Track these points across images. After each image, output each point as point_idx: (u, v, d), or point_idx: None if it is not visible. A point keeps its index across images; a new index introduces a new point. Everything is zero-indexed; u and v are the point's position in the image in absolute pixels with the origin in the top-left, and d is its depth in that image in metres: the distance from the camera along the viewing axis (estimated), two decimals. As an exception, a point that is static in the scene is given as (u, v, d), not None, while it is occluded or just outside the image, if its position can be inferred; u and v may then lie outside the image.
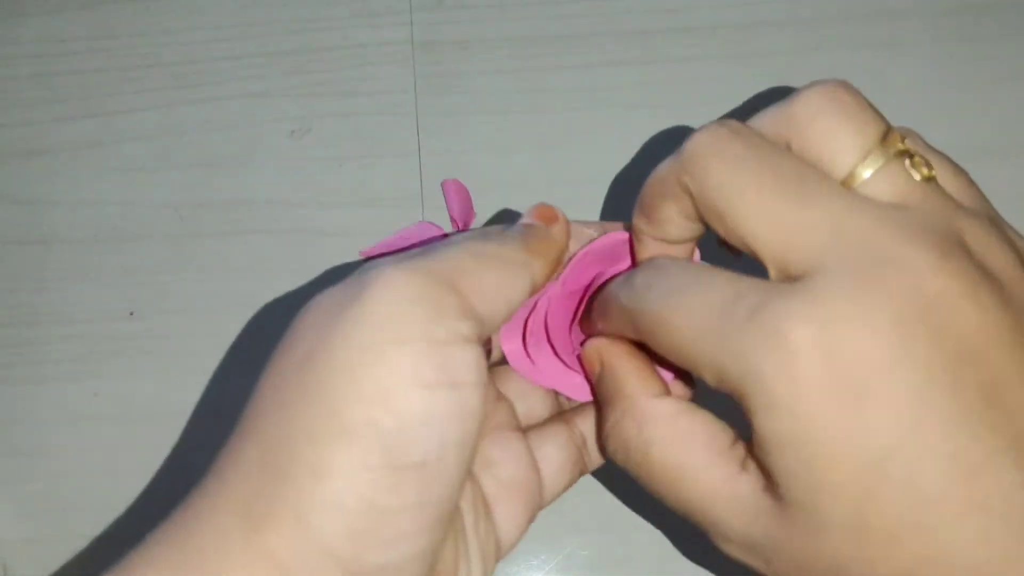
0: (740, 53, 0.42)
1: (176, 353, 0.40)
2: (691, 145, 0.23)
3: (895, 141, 0.22)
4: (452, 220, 0.40)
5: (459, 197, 0.41)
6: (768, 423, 0.20)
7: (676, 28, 0.43)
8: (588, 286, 0.27)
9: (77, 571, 0.37)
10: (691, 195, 0.23)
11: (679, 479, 0.22)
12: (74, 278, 0.40)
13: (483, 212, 0.41)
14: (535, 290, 0.24)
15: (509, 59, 0.42)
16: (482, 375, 0.20)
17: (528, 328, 0.26)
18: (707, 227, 0.23)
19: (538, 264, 0.24)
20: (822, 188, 0.21)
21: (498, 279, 0.22)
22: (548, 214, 0.26)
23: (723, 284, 0.21)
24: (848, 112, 0.22)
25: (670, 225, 0.24)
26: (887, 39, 0.43)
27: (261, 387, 0.21)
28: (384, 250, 0.37)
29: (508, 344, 0.27)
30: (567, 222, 0.26)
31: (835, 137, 0.22)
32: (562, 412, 0.29)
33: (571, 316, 0.28)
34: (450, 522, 0.21)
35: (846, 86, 0.22)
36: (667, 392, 0.24)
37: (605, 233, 0.27)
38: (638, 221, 0.25)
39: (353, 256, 0.40)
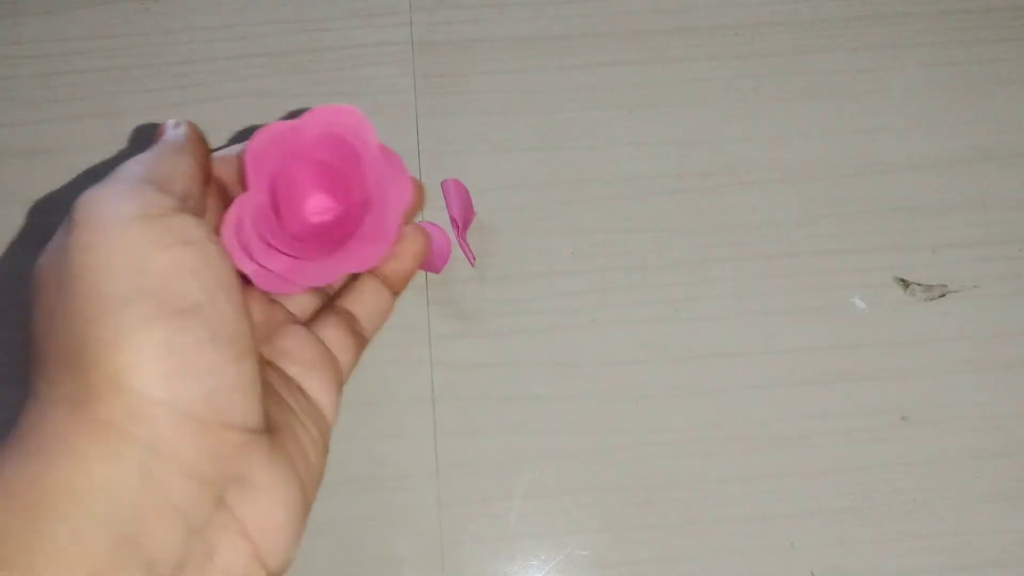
0: (740, 54, 0.42)
1: None
2: None
3: None
4: (452, 220, 0.40)
5: (459, 197, 0.40)
6: None
7: (676, 29, 0.42)
8: (275, 179, 0.28)
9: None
10: None
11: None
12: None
13: (483, 212, 0.41)
14: (202, 166, 0.25)
15: (509, 59, 0.42)
16: (205, 231, 0.23)
17: (246, 243, 0.27)
18: None
19: (189, 149, 0.25)
20: None
21: (170, 165, 0.24)
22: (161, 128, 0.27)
23: None
24: None
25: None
26: (886, 41, 0.43)
27: (35, 311, 0.23)
28: None
29: (245, 267, 0.27)
30: (188, 127, 0.27)
31: None
32: (328, 301, 0.31)
33: (274, 210, 0.27)
34: (253, 360, 0.23)
35: None
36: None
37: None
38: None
39: None
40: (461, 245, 0.40)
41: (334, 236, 0.28)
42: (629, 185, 0.41)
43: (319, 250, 0.28)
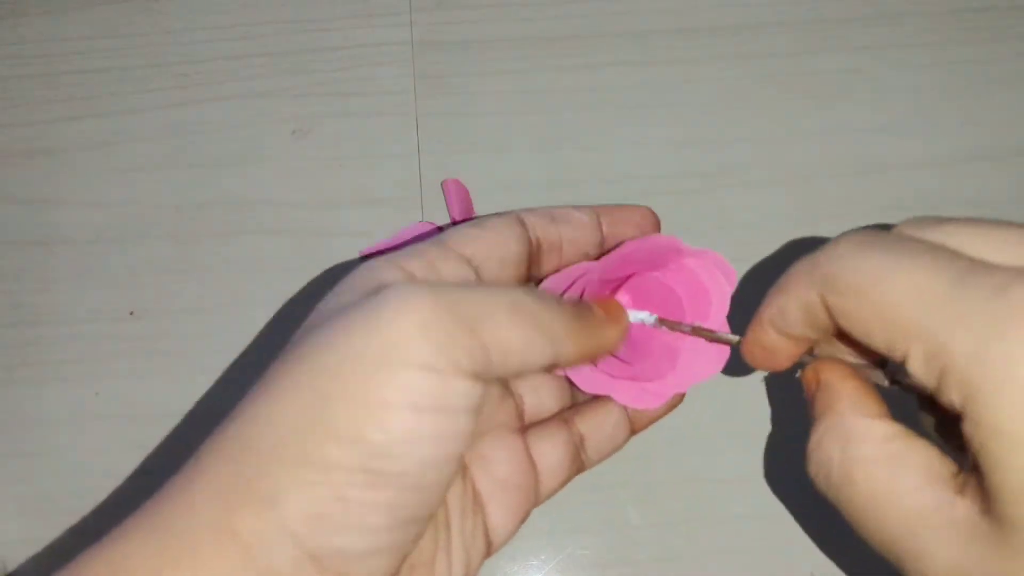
0: (740, 54, 0.42)
1: (177, 353, 0.39)
2: (835, 241, 0.22)
3: None
4: (452, 220, 0.40)
5: (459, 197, 0.41)
6: (998, 413, 0.18)
7: (676, 29, 0.42)
8: (621, 281, 0.28)
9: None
10: (818, 287, 0.22)
11: (883, 504, 0.21)
12: (76, 278, 0.40)
13: (482, 212, 0.41)
14: (554, 368, 0.23)
15: (509, 60, 0.42)
16: (474, 403, 0.21)
17: None
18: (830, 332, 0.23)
19: (571, 348, 0.23)
20: (984, 268, 0.19)
21: (523, 342, 0.21)
22: (616, 312, 0.25)
23: (950, 256, 0.20)
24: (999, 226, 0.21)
25: (792, 321, 0.23)
26: (886, 41, 0.43)
27: (260, 381, 0.21)
28: (394, 244, 0.37)
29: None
30: (627, 328, 0.26)
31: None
32: (562, 412, 0.29)
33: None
34: (424, 525, 0.21)
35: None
36: (886, 416, 0.23)
37: (594, 216, 0.27)
38: (764, 304, 0.24)
39: (353, 255, 0.40)
40: None
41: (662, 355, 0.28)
42: (629, 186, 0.41)
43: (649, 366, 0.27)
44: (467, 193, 0.41)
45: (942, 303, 0.19)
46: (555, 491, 0.27)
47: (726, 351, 0.28)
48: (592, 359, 0.24)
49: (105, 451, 0.38)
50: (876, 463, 0.21)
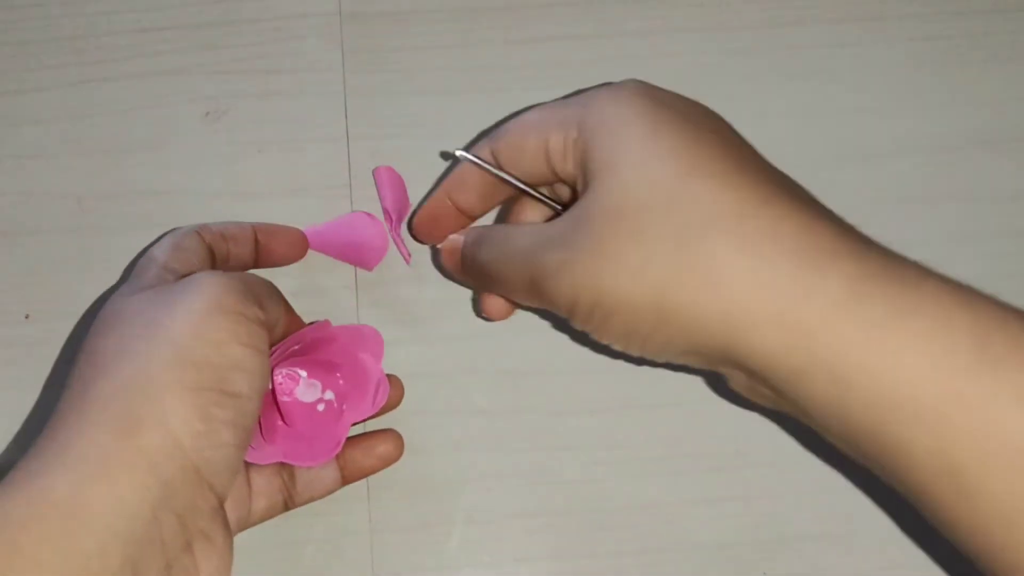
0: (706, 26, 0.41)
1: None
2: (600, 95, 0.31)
3: None
4: (385, 212, 0.39)
5: (392, 187, 0.38)
6: (603, 149, 0.29)
7: (635, -2, 0.41)
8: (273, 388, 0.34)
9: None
10: (490, 145, 0.33)
11: (511, 247, 0.31)
12: (-40, 277, 0.38)
13: (418, 203, 0.39)
14: (281, 316, 0.33)
15: (448, 32, 0.41)
16: (268, 346, 0.30)
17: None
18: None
19: (280, 299, 0.33)
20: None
21: (268, 294, 0.32)
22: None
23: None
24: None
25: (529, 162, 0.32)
26: (870, 13, 0.42)
27: (98, 348, 0.28)
28: (325, 233, 0.38)
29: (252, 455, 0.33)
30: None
31: None
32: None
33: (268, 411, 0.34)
34: (243, 455, 0.29)
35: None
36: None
37: (254, 232, 0.35)
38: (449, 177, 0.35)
39: None
40: (395, 240, 0.38)
41: (316, 424, 0.34)
42: None
43: (298, 435, 0.34)
44: (402, 182, 0.39)
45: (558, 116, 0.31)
46: (263, 516, 0.33)
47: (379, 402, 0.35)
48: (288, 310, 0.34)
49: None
50: (508, 232, 0.32)
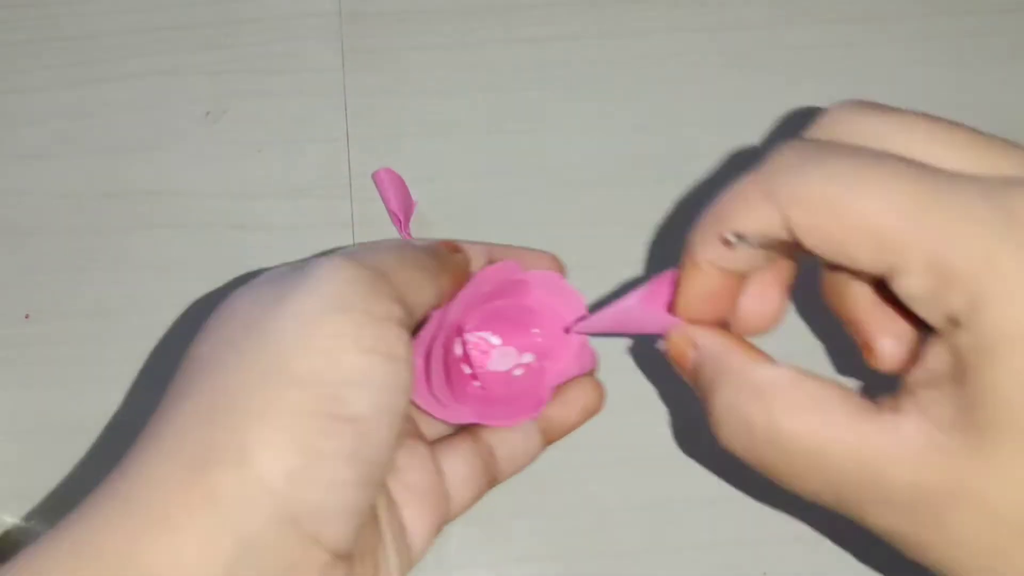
0: (706, 26, 0.41)
1: (77, 360, 0.38)
2: (778, 152, 0.22)
3: None
4: (391, 214, 0.38)
5: (395, 189, 0.38)
6: (999, 316, 0.19)
7: (635, -2, 0.42)
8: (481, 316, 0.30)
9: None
10: (784, 208, 0.21)
11: (825, 447, 0.21)
12: (-40, 277, 0.39)
13: (419, 202, 0.39)
14: (440, 301, 0.27)
15: (449, 32, 0.41)
16: (408, 354, 0.23)
17: (431, 368, 0.28)
18: (784, 254, 0.23)
19: (445, 278, 0.27)
20: (955, 176, 0.20)
21: (418, 279, 0.25)
22: (451, 245, 0.29)
23: (909, 163, 0.20)
24: (884, 110, 0.23)
25: (739, 247, 0.23)
26: (869, 11, 0.41)
27: (193, 356, 0.23)
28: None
29: (419, 392, 0.28)
30: (468, 255, 0.29)
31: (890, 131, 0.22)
32: (467, 426, 0.30)
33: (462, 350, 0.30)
34: (378, 490, 0.23)
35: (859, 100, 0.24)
36: (773, 360, 0.23)
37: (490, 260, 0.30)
38: (701, 242, 0.24)
39: (274, 251, 0.38)
40: (406, 240, 0.38)
41: (513, 388, 0.30)
42: (582, 173, 0.40)
43: (494, 398, 0.30)
44: (403, 183, 0.39)
45: (931, 212, 0.20)
46: (468, 505, 0.29)
47: (589, 359, 0.31)
48: (461, 283, 0.28)
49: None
50: (801, 409, 0.22)
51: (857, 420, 0.21)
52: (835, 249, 0.21)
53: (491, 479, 0.29)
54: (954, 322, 0.19)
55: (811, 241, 0.21)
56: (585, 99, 0.40)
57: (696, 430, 0.37)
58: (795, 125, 0.40)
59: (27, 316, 0.38)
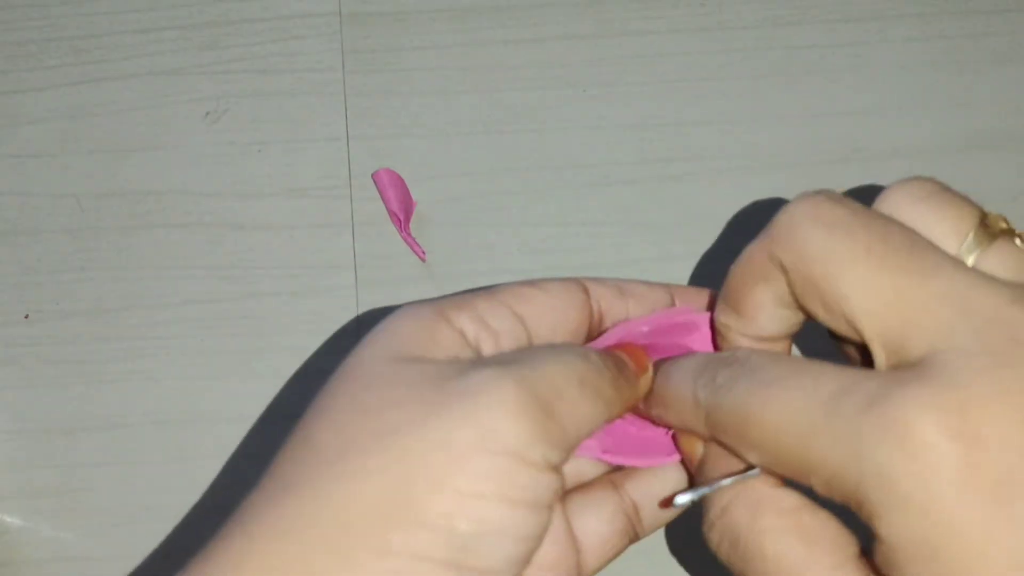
0: (706, 26, 0.41)
1: (77, 360, 0.38)
2: (785, 214, 0.21)
3: (997, 221, 0.22)
4: (392, 214, 0.39)
5: (395, 189, 0.39)
6: (896, 529, 0.18)
7: (635, -2, 0.41)
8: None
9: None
10: (787, 272, 0.21)
11: None
12: (-40, 277, 0.39)
13: (421, 204, 0.39)
14: (615, 414, 0.24)
15: (448, 32, 0.41)
16: (555, 497, 0.21)
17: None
18: (807, 316, 0.22)
19: (618, 406, 0.24)
20: (939, 259, 0.20)
21: (590, 411, 0.22)
22: (641, 361, 0.25)
23: (828, 375, 0.20)
24: (944, 197, 0.22)
25: (762, 315, 0.23)
26: (869, 13, 0.41)
27: (311, 440, 0.21)
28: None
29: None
30: (652, 376, 0.25)
31: (936, 220, 0.21)
32: (611, 473, 0.26)
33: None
34: None
35: (933, 179, 0.22)
36: (786, 484, 0.22)
37: (668, 296, 0.27)
38: (724, 316, 0.24)
39: (274, 251, 0.38)
40: (407, 240, 0.39)
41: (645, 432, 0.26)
42: (583, 173, 0.40)
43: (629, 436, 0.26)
44: (403, 183, 0.39)
45: (822, 436, 0.19)
46: (603, 566, 0.25)
47: None
48: (630, 410, 0.25)
49: (-7, 471, 0.37)
50: (788, 535, 0.21)
51: (838, 571, 0.20)
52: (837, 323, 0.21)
53: (632, 537, 0.26)
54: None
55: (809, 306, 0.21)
56: (585, 99, 0.40)
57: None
58: (795, 125, 0.40)
59: (27, 316, 0.38)
